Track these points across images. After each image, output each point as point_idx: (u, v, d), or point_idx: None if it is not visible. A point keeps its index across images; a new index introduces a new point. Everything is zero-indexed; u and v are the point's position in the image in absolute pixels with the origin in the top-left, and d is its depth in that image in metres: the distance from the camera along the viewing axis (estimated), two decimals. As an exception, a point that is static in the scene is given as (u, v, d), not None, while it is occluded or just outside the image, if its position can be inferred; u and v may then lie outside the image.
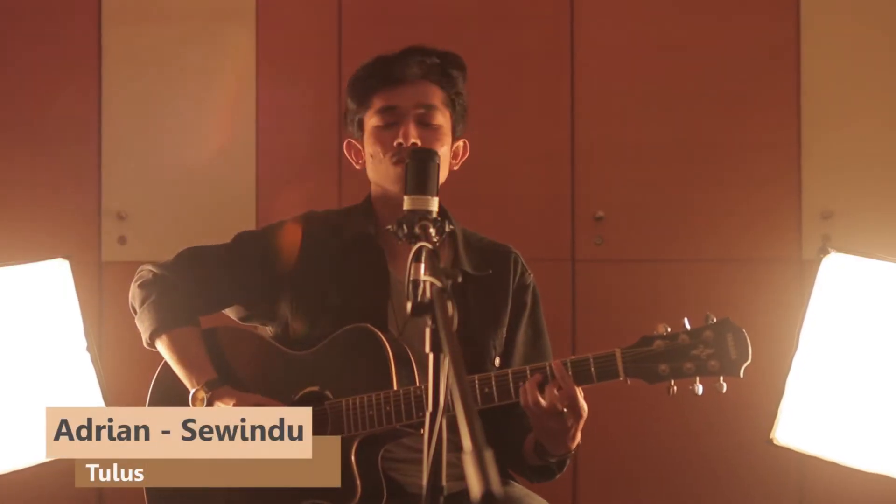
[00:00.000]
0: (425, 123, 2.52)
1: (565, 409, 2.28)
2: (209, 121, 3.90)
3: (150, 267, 2.62)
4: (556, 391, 2.27)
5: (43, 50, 3.91)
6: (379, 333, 2.43)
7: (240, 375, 2.53)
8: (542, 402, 2.27)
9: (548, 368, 2.30)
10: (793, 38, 3.80)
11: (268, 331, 2.65)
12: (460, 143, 2.60)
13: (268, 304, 2.60)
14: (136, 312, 2.61)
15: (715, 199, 3.81)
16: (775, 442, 2.76)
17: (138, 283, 2.62)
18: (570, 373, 2.29)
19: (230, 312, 2.67)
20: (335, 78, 3.81)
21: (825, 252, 2.75)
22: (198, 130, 3.90)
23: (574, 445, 2.37)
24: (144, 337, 2.58)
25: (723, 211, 3.80)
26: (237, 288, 2.61)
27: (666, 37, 3.84)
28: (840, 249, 2.75)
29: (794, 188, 3.78)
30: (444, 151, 2.50)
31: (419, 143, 2.47)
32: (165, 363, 2.57)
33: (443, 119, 2.54)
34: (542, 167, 3.85)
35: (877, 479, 2.72)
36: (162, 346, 2.56)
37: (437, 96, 2.54)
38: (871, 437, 2.69)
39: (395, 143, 2.50)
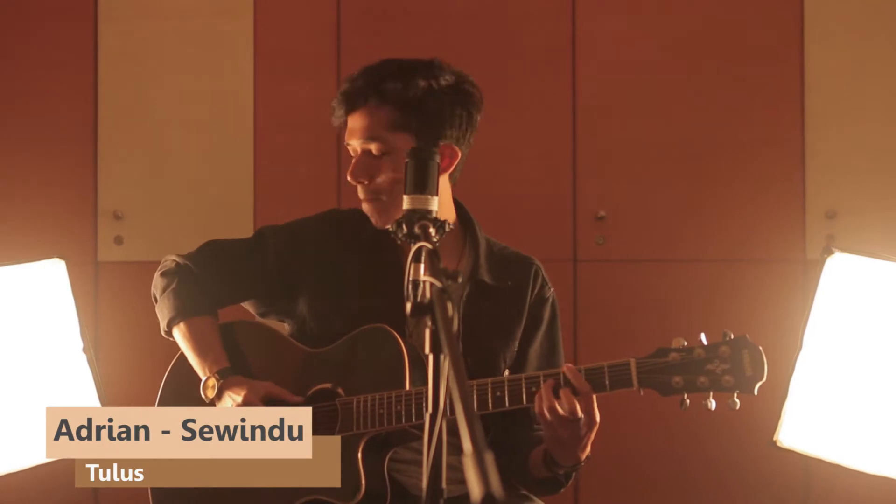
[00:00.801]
0: (373, 156, 2.48)
1: (581, 416, 2.27)
2: (206, 120, 3.89)
3: (173, 257, 2.63)
4: (573, 397, 2.26)
5: (39, 48, 3.90)
6: (396, 335, 2.42)
7: (254, 369, 2.53)
8: (558, 407, 2.26)
9: (561, 375, 2.28)
10: (796, 37, 3.78)
11: (285, 328, 2.65)
12: (441, 146, 2.45)
13: (285, 301, 2.60)
14: (156, 301, 2.61)
15: (717, 198, 3.78)
16: (779, 444, 2.75)
17: (161, 271, 2.63)
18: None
19: (249, 307, 2.67)
20: (333, 76, 3.79)
21: (829, 252, 2.74)
22: (195, 129, 3.88)
23: (584, 457, 2.36)
24: (162, 325, 2.59)
25: (725, 211, 3.78)
26: (256, 282, 2.61)
27: (668, 35, 3.82)
28: (844, 249, 2.74)
29: (797, 188, 3.76)
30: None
31: (366, 182, 2.47)
32: (178, 357, 2.57)
33: (394, 141, 2.46)
34: (543, 166, 3.83)
35: (882, 482, 2.70)
36: (178, 334, 2.56)
37: (383, 120, 2.46)
38: (876, 439, 2.68)
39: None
